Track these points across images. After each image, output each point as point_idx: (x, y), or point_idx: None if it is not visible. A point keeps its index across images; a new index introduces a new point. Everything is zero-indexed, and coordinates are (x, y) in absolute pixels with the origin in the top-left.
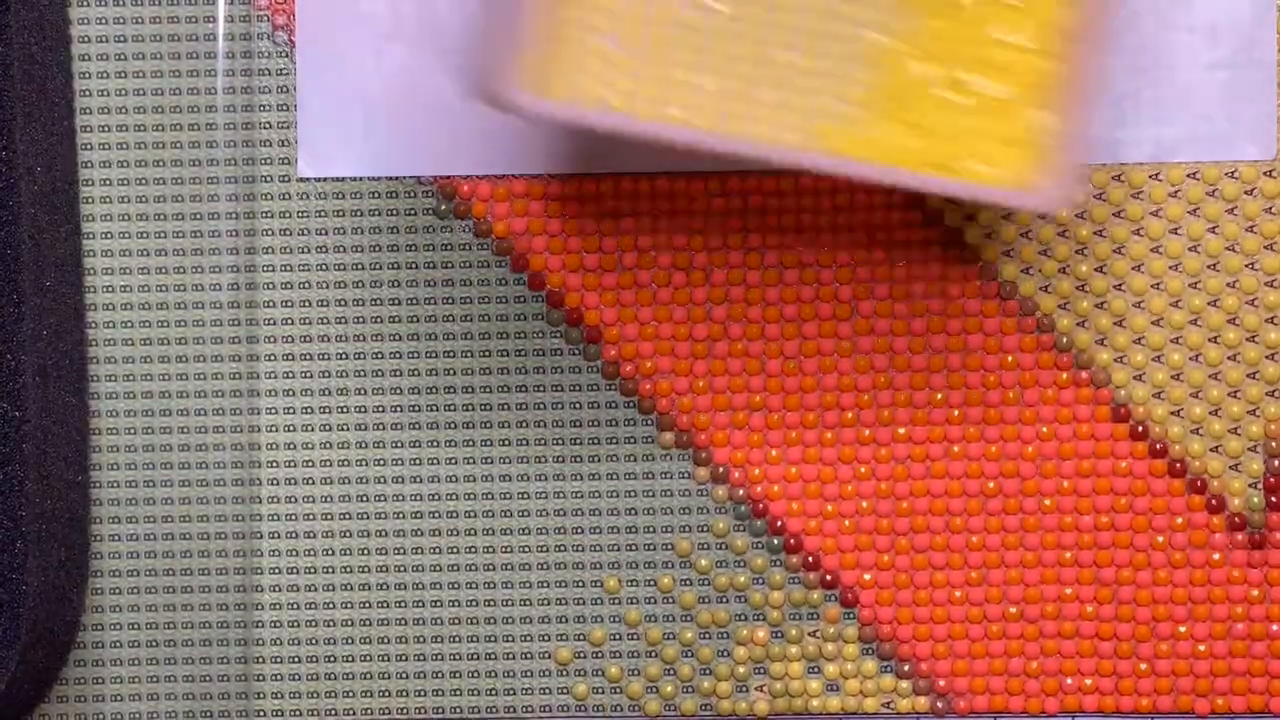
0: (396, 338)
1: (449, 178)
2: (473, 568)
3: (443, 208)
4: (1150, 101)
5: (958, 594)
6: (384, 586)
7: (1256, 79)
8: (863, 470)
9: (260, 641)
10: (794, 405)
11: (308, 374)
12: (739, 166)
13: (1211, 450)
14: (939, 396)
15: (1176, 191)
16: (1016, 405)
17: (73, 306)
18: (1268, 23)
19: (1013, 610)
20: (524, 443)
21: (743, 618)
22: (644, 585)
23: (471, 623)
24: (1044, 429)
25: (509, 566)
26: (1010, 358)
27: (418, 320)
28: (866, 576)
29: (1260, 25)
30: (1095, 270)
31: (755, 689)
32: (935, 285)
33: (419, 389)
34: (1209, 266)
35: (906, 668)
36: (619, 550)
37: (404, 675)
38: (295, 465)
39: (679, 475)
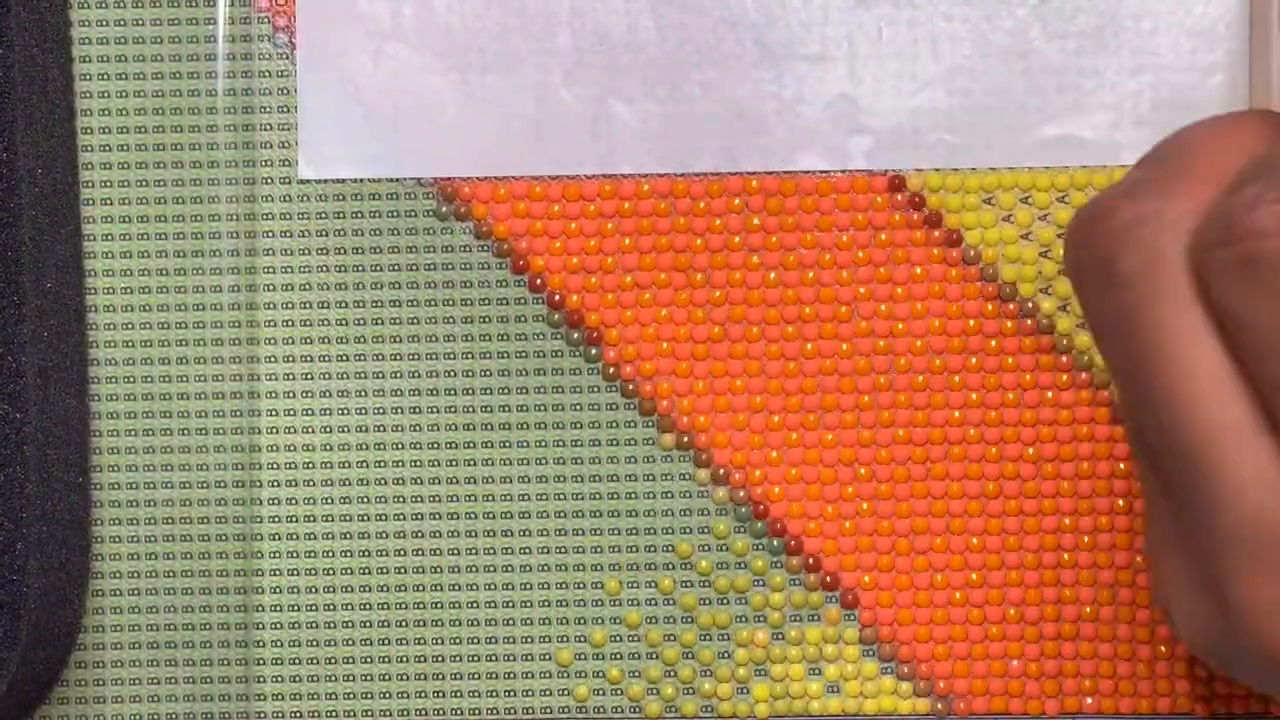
0: (397, 339)
1: (449, 179)
2: (473, 568)
3: (443, 209)
4: (1149, 102)
5: (958, 595)
6: (384, 587)
7: (1255, 80)
8: (863, 471)
9: (260, 642)
10: (794, 407)
11: (308, 374)
12: (739, 167)
13: None
14: (939, 397)
15: None
16: (1016, 406)
17: (73, 308)
18: (1267, 23)
19: (1013, 611)
20: (524, 444)
21: (743, 619)
22: (644, 587)
23: (471, 623)
24: (1044, 429)
25: (509, 567)
26: (1010, 358)
27: (418, 322)
28: (867, 578)
29: (1259, 26)
30: None
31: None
32: (935, 286)
33: (419, 390)
34: None
35: (907, 669)
36: (619, 552)
37: (404, 675)
38: (295, 465)
39: (679, 477)
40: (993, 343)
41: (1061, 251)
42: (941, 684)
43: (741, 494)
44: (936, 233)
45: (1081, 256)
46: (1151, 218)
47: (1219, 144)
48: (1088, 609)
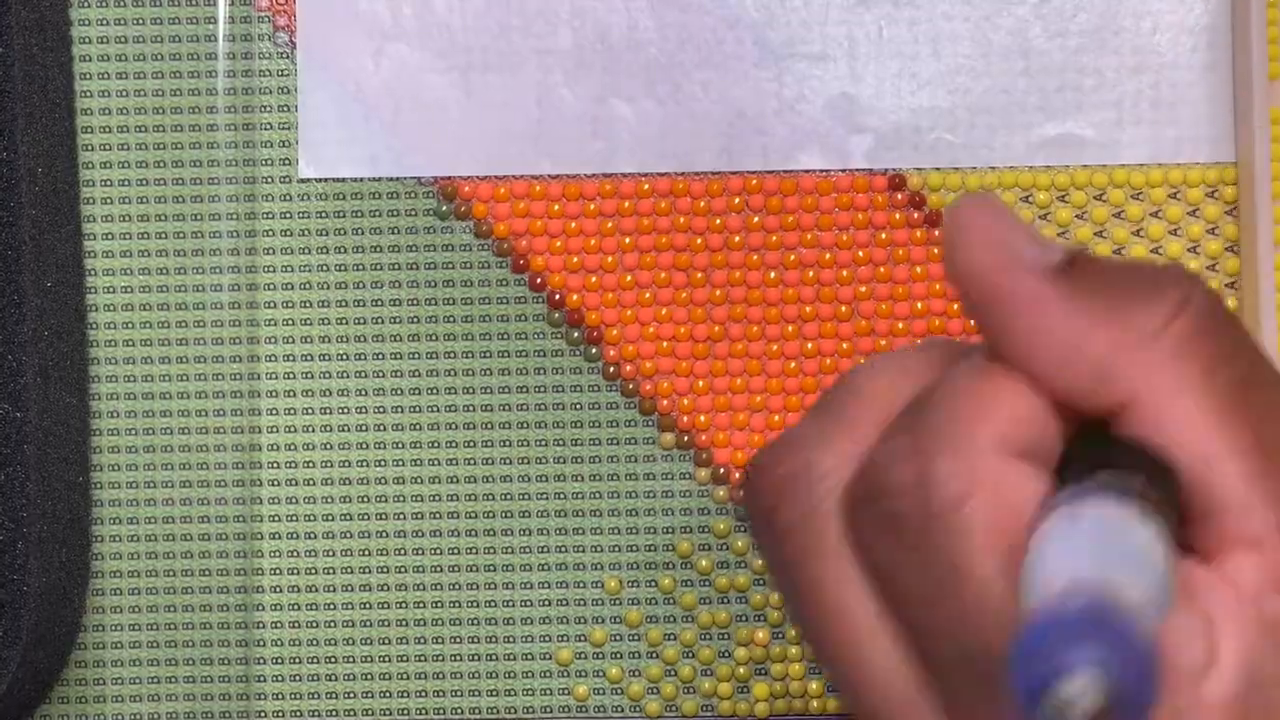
0: (397, 338)
1: (449, 178)
2: (473, 568)
3: (443, 208)
4: (1149, 101)
5: None
6: (384, 587)
7: (1254, 81)
8: None
9: (260, 642)
10: (794, 406)
11: (308, 374)
12: (739, 166)
13: None
14: None
15: (1175, 193)
16: None
17: (73, 307)
18: (1266, 24)
19: None
20: (524, 443)
21: (743, 619)
22: (645, 586)
23: (471, 623)
24: None
25: (509, 567)
26: None
27: (418, 321)
28: None
29: (1258, 27)
30: None
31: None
32: (935, 285)
33: (419, 389)
34: (1208, 268)
35: None
36: (619, 551)
37: (404, 675)
38: (295, 465)
39: (680, 476)
40: None
41: None
42: None
43: (741, 493)
44: (936, 232)
45: (750, 507)
46: (805, 470)
47: (878, 387)
48: None
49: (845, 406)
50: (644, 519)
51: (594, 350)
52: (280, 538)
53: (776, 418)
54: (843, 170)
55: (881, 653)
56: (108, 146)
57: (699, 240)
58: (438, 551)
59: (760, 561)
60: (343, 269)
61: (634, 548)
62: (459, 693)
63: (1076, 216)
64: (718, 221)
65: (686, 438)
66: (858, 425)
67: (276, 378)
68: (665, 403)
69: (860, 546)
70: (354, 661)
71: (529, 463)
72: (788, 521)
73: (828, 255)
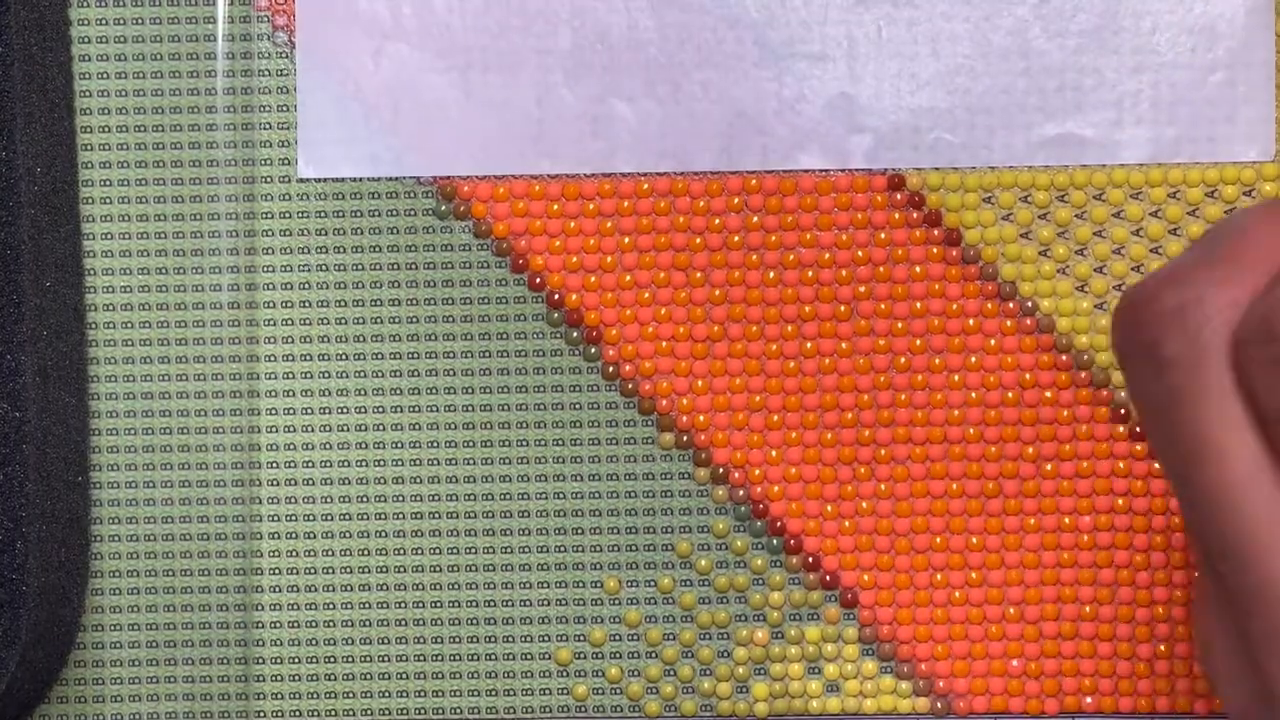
0: (396, 338)
1: (449, 178)
2: (473, 568)
3: (442, 208)
4: (1149, 101)
5: (958, 594)
6: (384, 586)
7: (1255, 80)
8: (862, 470)
9: (260, 642)
10: (794, 405)
11: (308, 374)
12: (739, 166)
13: None
14: (939, 396)
15: (1175, 192)
16: (1016, 405)
17: (73, 306)
18: (1265, 23)
19: (1013, 610)
20: (524, 443)
21: (743, 618)
22: (644, 586)
23: (471, 623)
24: (1044, 429)
25: (509, 566)
26: (1010, 358)
27: (418, 320)
28: (866, 577)
29: (1258, 26)
30: (1095, 270)
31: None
32: (935, 285)
33: (419, 389)
34: None
35: (906, 668)
36: (619, 551)
37: (404, 675)
38: (295, 465)
39: (679, 476)
40: (992, 341)
41: (1109, 331)
42: (941, 683)
43: (741, 493)
44: (936, 231)
45: (1128, 338)
46: (1194, 305)
47: (1269, 231)
48: (1088, 609)
49: (1231, 247)
50: (643, 519)
51: (594, 350)
52: (280, 538)
53: (776, 417)
54: (842, 170)
55: (1259, 497)
56: (107, 146)
57: (698, 240)
58: (437, 551)
59: (760, 560)
60: (342, 269)
61: (634, 548)
62: (459, 693)
63: (1076, 216)
64: (717, 221)
65: (686, 438)
66: (1249, 267)
67: (276, 378)
68: (665, 403)
69: (1246, 389)
70: (354, 661)
71: (529, 463)
72: (1174, 355)
73: (827, 255)
